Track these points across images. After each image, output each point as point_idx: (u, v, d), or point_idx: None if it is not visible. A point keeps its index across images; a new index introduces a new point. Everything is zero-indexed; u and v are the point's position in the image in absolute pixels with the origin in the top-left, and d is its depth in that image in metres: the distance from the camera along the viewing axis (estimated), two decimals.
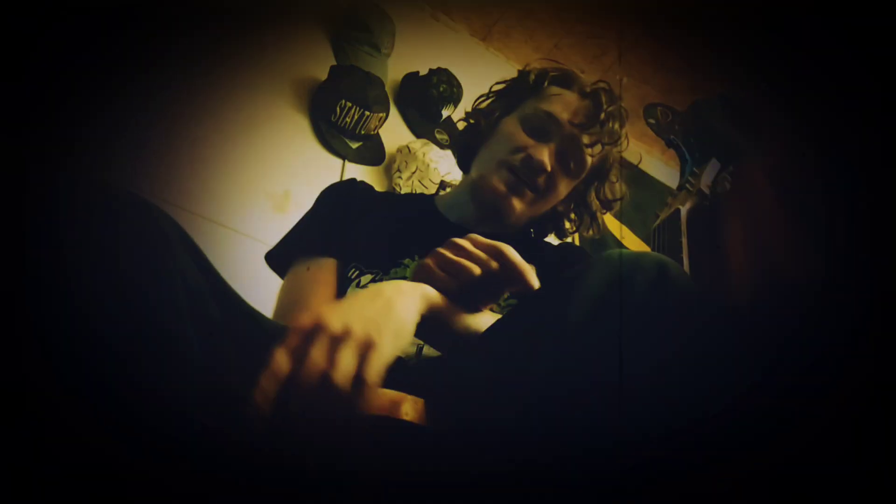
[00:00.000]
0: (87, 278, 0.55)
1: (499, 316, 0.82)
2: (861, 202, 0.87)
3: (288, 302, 1.08)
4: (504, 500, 0.61)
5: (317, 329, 0.62)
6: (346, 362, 0.60)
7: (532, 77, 1.21)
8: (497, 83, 1.28)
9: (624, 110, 1.17)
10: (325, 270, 1.08)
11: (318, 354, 0.60)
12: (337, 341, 0.62)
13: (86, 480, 0.50)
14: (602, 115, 1.13)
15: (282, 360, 0.60)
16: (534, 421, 0.61)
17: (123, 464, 0.51)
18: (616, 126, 1.15)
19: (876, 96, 0.90)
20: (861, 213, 0.86)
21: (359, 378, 0.60)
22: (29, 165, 0.59)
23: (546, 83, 1.19)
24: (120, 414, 0.52)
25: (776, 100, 1.25)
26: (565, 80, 1.19)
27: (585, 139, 1.12)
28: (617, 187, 1.24)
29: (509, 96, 1.23)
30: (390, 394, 0.65)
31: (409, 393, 0.66)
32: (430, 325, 0.75)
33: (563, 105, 1.14)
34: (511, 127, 1.16)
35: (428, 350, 0.91)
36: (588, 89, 1.17)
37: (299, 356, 0.61)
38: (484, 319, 0.80)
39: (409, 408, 0.65)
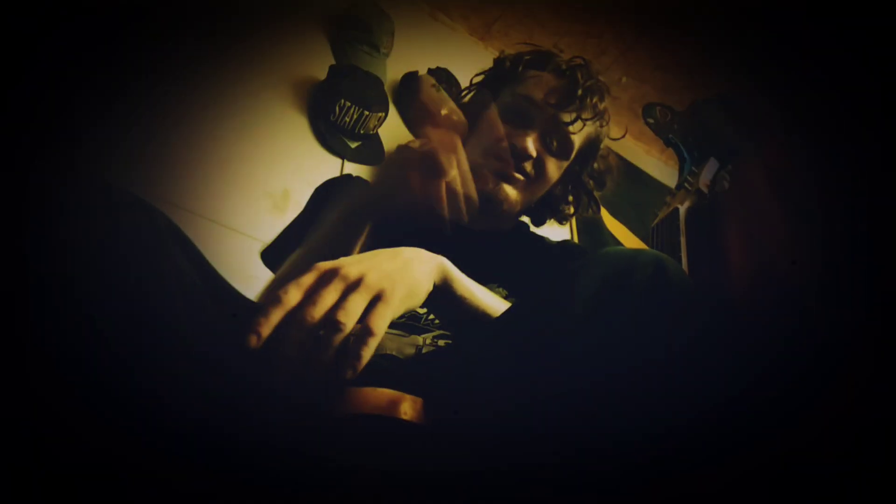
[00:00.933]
0: (86, 277, 0.55)
1: (508, 303, 0.82)
2: (860, 201, 0.87)
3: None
4: (504, 499, 0.61)
5: (333, 273, 0.64)
6: (353, 306, 0.62)
7: (508, 63, 1.21)
8: (476, 74, 1.28)
9: (602, 84, 1.17)
10: None
11: (328, 293, 0.62)
12: (350, 286, 0.63)
13: (86, 480, 0.50)
14: (579, 92, 1.12)
15: (293, 293, 0.61)
16: (532, 420, 0.61)
17: (123, 463, 0.51)
18: (595, 100, 1.15)
19: (875, 96, 0.90)
20: (859, 212, 0.86)
21: (364, 325, 0.61)
22: (30, 165, 0.60)
23: (521, 67, 1.19)
24: (119, 413, 0.52)
25: (775, 99, 1.25)
26: (540, 61, 1.19)
27: (565, 117, 1.12)
28: (610, 160, 1.24)
29: (488, 86, 1.23)
30: (389, 393, 0.65)
31: (409, 392, 0.66)
32: (440, 296, 0.75)
33: (539, 86, 1.14)
34: (491, 118, 1.15)
35: (428, 349, 0.91)
36: (564, 66, 1.16)
37: (310, 293, 0.62)
38: (494, 303, 0.80)
39: (408, 407, 0.65)
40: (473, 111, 1.21)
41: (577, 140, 1.15)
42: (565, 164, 1.17)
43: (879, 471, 0.60)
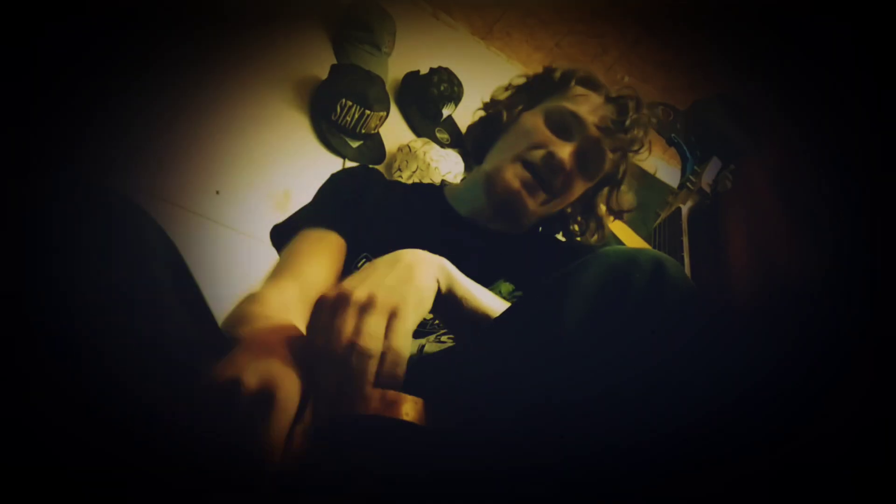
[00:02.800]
0: (82, 281, 0.55)
1: (507, 303, 0.81)
2: (862, 201, 0.87)
3: (283, 265, 1.02)
4: (504, 500, 0.61)
5: (342, 300, 0.63)
6: (374, 329, 0.61)
7: (557, 74, 1.20)
8: (518, 76, 1.26)
9: (650, 119, 1.17)
10: (328, 243, 1.06)
11: (346, 323, 0.61)
12: (363, 309, 0.62)
13: (83, 480, 0.50)
14: (627, 122, 1.12)
15: (317, 335, 0.61)
16: (533, 421, 0.60)
17: (120, 464, 0.51)
18: (640, 133, 1.15)
19: (877, 94, 0.90)
20: (862, 211, 0.86)
21: (388, 348, 0.61)
22: (30, 165, 0.59)
23: (572, 82, 1.18)
24: (114, 414, 0.52)
25: (777, 98, 1.25)
26: (591, 82, 1.18)
27: (608, 143, 1.11)
28: (628, 197, 1.23)
29: (532, 91, 1.21)
30: (390, 394, 0.65)
31: (409, 393, 0.66)
32: (444, 298, 0.75)
33: (589, 107, 1.13)
34: (533, 121, 1.14)
35: (429, 348, 0.91)
36: (614, 94, 1.16)
37: (326, 329, 0.62)
38: (493, 303, 0.79)
39: (409, 408, 0.65)
40: (513, 111, 1.20)
41: (608, 166, 1.15)
42: (588, 185, 1.16)
43: (880, 472, 0.59)
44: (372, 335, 0.61)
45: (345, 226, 1.07)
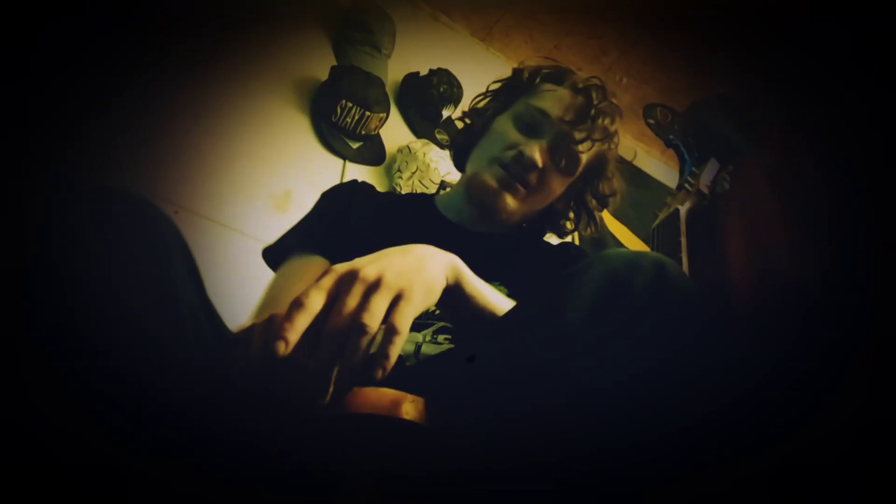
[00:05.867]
0: (85, 280, 0.55)
1: (514, 302, 0.82)
2: (860, 201, 0.87)
3: (270, 297, 1.07)
4: (504, 500, 0.61)
5: (352, 275, 0.63)
6: (377, 307, 0.61)
7: (526, 74, 1.23)
8: (493, 82, 1.29)
9: (616, 107, 1.18)
10: (313, 270, 1.08)
11: (350, 297, 0.62)
12: (370, 287, 0.63)
13: (83, 481, 0.50)
14: (592, 112, 1.14)
15: (315, 298, 0.61)
16: (532, 421, 0.61)
17: (121, 465, 0.51)
18: (606, 122, 1.16)
19: (876, 96, 0.90)
20: (861, 211, 0.86)
21: (389, 324, 0.61)
22: (30, 165, 0.60)
23: (539, 80, 1.21)
24: (117, 415, 0.52)
25: (776, 99, 1.25)
26: (558, 76, 1.21)
27: (576, 135, 1.13)
28: (613, 184, 1.25)
29: (503, 95, 1.24)
30: (390, 393, 0.65)
31: (410, 392, 0.66)
32: (450, 295, 0.75)
33: (554, 101, 1.15)
34: (503, 125, 1.17)
35: (426, 349, 0.91)
36: (580, 85, 1.18)
37: (333, 297, 0.62)
38: (501, 302, 0.80)
39: (410, 407, 0.65)
40: (485, 117, 1.23)
41: (584, 157, 1.16)
42: (570, 180, 1.18)
43: (880, 471, 0.60)
44: (373, 312, 0.61)
45: (331, 247, 1.09)
